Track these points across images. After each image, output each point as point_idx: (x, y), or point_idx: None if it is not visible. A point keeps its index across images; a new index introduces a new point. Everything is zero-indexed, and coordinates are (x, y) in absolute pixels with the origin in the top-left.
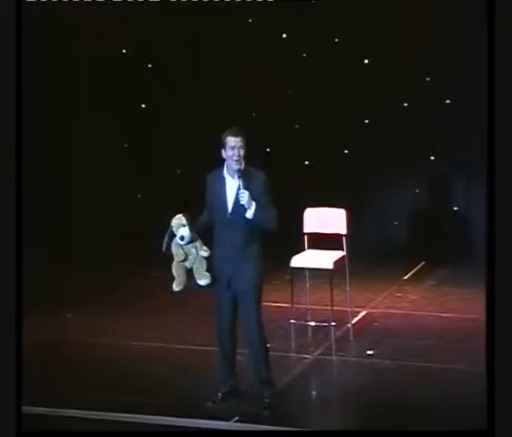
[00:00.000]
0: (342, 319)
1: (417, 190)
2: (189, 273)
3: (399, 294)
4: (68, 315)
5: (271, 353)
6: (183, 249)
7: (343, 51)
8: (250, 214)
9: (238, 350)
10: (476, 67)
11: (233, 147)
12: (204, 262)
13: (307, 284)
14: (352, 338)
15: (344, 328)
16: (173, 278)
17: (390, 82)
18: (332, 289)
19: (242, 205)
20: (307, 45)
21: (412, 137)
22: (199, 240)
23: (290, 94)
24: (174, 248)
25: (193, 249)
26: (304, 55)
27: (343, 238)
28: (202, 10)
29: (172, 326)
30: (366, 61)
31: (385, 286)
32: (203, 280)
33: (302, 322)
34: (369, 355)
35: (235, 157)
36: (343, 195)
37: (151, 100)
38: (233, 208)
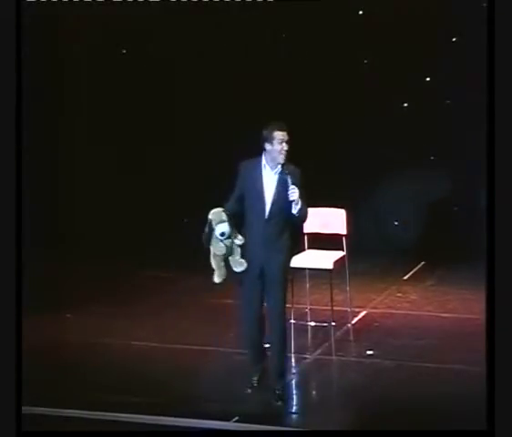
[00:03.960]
0: (342, 319)
1: (417, 190)
2: (226, 262)
3: (399, 294)
4: (68, 315)
5: (269, 353)
6: (224, 243)
7: (342, 51)
8: (296, 210)
9: (239, 351)
10: (476, 67)
11: (282, 140)
12: (239, 250)
13: (307, 284)
14: (352, 338)
15: (344, 328)
16: (213, 270)
17: (390, 82)
18: (332, 289)
19: (283, 198)
20: (307, 45)
21: (412, 137)
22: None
23: (290, 94)
24: (214, 243)
25: (229, 238)
26: (304, 54)
27: (343, 239)
28: (202, 10)
29: (172, 326)
30: (366, 61)
31: (385, 286)
32: (239, 268)
33: (302, 322)
34: (369, 355)
35: (283, 152)
36: (343, 195)
37: (151, 100)
38: (273, 200)
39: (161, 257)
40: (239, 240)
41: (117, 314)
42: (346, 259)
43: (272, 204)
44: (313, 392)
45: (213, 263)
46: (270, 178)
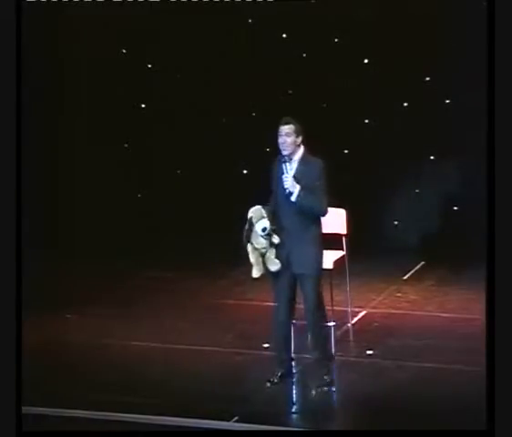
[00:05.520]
0: (342, 319)
1: (417, 190)
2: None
3: (399, 294)
4: (68, 315)
5: (270, 353)
6: (264, 239)
7: (342, 51)
8: (293, 197)
9: (239, 351)
10: (476, 67)
11: (280, 134)
12: (273, 250)
13: None
14: (352, 338)
15: (344, 328)
16: (251, 266)
17: (390, 82)
18: (332, 289)
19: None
20: (307, 45)
21: (412, 137)
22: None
23: (290, 94)
24: (255, 238)
25: (269, 235)
26: (304, 55)
27: (343, 238)
28: (202, 10)
29: (172, 326)
30: (366, 61)
31: (385, 286)
32: (274, 267)
33: (303, 322)
34: (369, 355)
35: (280, 145)
36: (343, 195)
37: (151, 100)
38: (289, 191)
39: (161, 257)
40: (275, 239)
41: (117, 314)
42: (346, 258)
43: (288, 194)
44: (313, 392)
45: (252, 258)
46: (289, 172)
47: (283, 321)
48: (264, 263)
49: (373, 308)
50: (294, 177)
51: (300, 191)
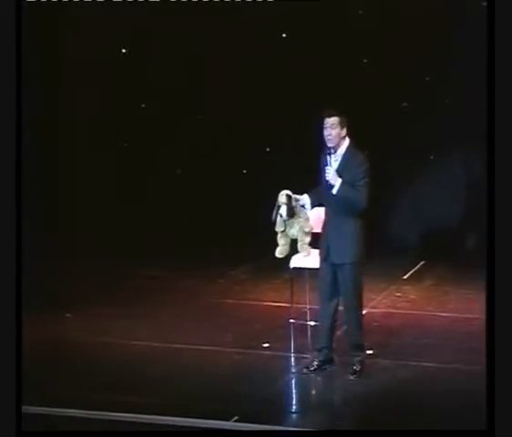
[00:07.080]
0: (342, 318)
1: (417, 190)
2: (294, 244)
3: (399, 294)
4: (68, 315)
5: (269, 352)
6: (284, 222)
7: (342, 51)
8: (334, 190)
9: (239, 350)
10: (476, 67)
11: (325, 127)
12: (307, 237)
13: (306, 284)
14: None
15: (344, 327)
16: (277, 245)
17: (390, 82)
18: None
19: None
20: (307, 45)
21: (412, 137)
22: (306, 216)
23: (289, 93)
24: (277, 220)
25: (296, 224)
26: (304, 54)
27: None
28: (202, 10)
29: (172, 326)
30: (365, 60)
31: (385, 286)
32: (303, 253)
33: (302, 322)
34: (369, 355)
35: (325, 137)
36: None
37: (151, 100)
38: (330, 184)
39: (161, 257)
40: (306, 227)
41: (117, 314)
42: None
43: (330, 186)
44: (313, 392)
45: (277, 238)
46: (333, 164)
47: (325, 310)
48: (289, 246)
49: (374, 307)
50: (337, 169)
51: (341, 184)
